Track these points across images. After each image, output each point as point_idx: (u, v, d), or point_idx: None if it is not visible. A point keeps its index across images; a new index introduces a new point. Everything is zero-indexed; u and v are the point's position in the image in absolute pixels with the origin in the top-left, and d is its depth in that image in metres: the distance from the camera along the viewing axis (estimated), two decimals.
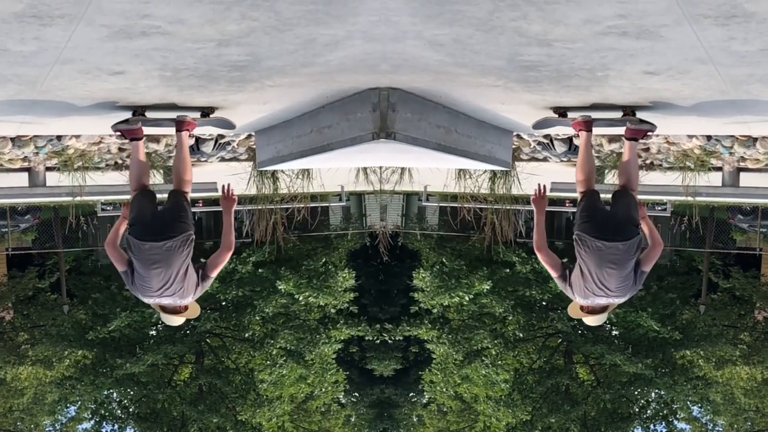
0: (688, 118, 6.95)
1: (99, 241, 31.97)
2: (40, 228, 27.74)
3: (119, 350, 26.40)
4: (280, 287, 25.75)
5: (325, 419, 28.64)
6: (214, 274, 6.71)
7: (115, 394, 27.66)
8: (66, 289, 28.18)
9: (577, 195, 6.95)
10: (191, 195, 6.99)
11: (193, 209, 6.91)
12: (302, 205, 12.17)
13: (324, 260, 27.09)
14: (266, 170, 10.30)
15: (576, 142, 8.70)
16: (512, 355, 26.88)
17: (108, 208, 15.01)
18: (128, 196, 11.00)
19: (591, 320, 6.91)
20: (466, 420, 28.54)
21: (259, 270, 26.02)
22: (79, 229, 14.21)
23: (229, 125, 7.22)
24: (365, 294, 29.08)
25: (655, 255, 6.78)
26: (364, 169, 11.91)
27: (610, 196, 6.96)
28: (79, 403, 26.54)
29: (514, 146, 9.39)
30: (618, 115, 6.69)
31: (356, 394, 30.88)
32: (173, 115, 6.77)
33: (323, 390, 27.60)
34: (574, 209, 6.90)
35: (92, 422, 27.21)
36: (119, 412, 27.77)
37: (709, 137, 9.51)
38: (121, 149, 10.25)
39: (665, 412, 27.48)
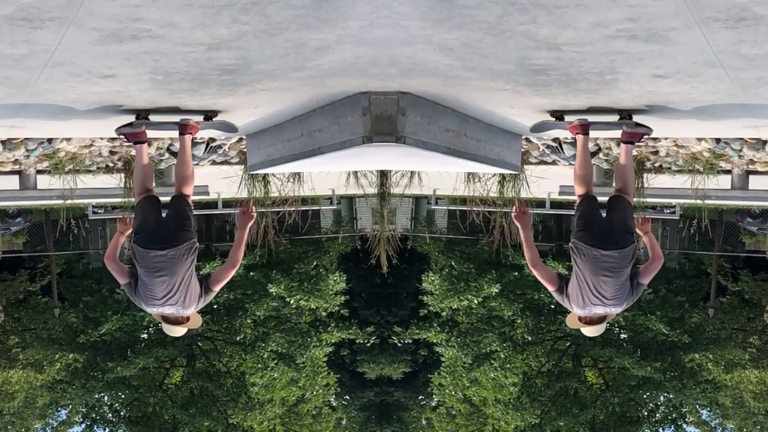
0: (697, 121, 6.97)
1: (90, 244, 31.97)
2: (31, 231, 27.69)
3: (110, 354, 26.35)
4: (271, 290, 25.74)
5: (316, 422, 28.63)
6: (217, 288, 6.76)
7: (106, 398, 27.62)
8: (57, 292, 28.13)
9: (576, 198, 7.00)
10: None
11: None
12: (293, 209, 12.18)
13: (315, 263, 27.09)
14: (257, 174, 10.31)
15: None
16: (521, 359, 26.91)
17: (99, 210, 14.99)
18: (119, 199, 11.09)
19: (589, 331, 6.94)
20: (474, 423, 28.58)
21: (251, 273, 26.00)
22: (70, 232, 14.16)
23: (232, 128, 7.24)
24: (356, 297, 29.10)
25: (655, 269, 6.88)
26: (355, 172, 11.92)
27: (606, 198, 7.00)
28: (70, 406, 26.50)
29: (522, 149, 9.42)
30: (615, 118, 6.72)
31: (347, 397, 30.87)
32: (176, 118, 6.79)
33: (314, 393, 27.59)
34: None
35: (83, 426, 27.16)
36: (110, 415, 27.73)
37: (718, 140, 9.51)
38: (112, 152, 10.25)
39: (674, 415, 27.46)
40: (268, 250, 13.77)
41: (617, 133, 8.55)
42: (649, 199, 11.39)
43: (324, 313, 27.01)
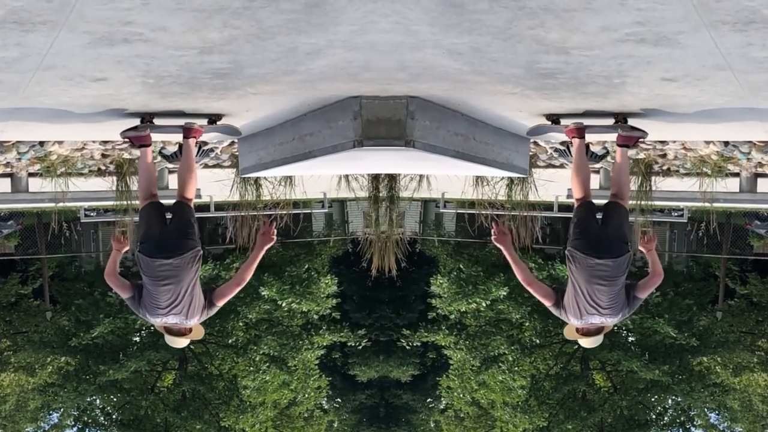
0: (705, 124, 6.97)
1: (82, 246, 31.94)
2: (22, 234, 27.68)
3: (102, 357, 26.34)
4: (263, 293, 25.75)
5: (307, 425, 28.65)
6: (220, 303, 6.80)
7: (98, 401, 27.62)
8: (49, 295, 28.11)
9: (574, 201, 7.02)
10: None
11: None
12: (285, 212, 12.19)
13: (307, 266, 27.13)
14: (249, 177, 10.32)
15: (592, 148, 8.73)
16: (529, 361, 27.00)
17: (91, 213, 14.98)
18: (111, 202, 11.07)
19: (586, 342, 6.98)
20: (483, 426, 28.67)
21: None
22: (62, 235, 14.17)
23: (236, 132, 7.25)
24: (347, 300, 29.13)
25: (653, 284, 6.95)
26: (346, 176, 11.94)
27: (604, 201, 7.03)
28: (62, 409, 26.47)
29: (531, 153, 9.43)
30: (610, 121, 6.75)
31: (339, 399, 30.90)
32: (181, 122, 6.81)
33: (306, 396, 27.61)
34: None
35: (75, 429, 27.16)
36: (102, 418, 27.72)
37: (726, 143, 9.48)
38: (104, 155, 10.24)
39: (682, 418, 27.51)
40: None
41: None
42: (657, 202, 11.38)
43: (315, 316, 27.05)
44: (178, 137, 8.09)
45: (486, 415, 28.27)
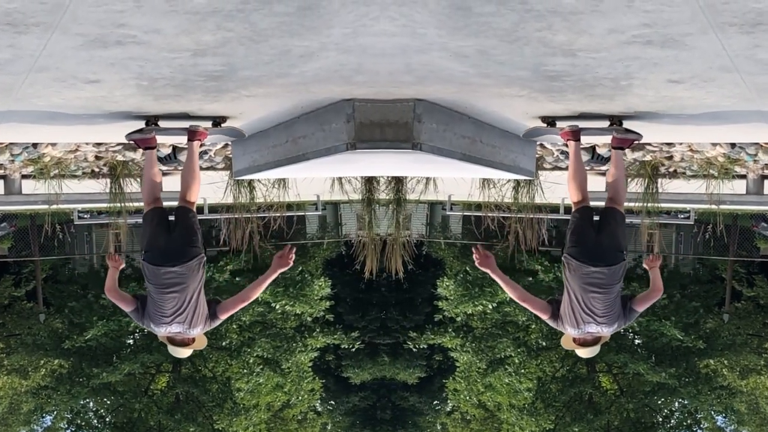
0: (712, 125, 6.97)
1: (76, 249, 31.90)
2: (16, 236, 27.62)
3: (96, 359, 26.31)
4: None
5: (301, 427, 28.66)
6: (224, 317, 6.83)
7: (91, 404, 27.60)
8: (42, 297, 28.06)
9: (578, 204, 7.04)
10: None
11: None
12: (278, 214, 12.20)
13: (300, 269, 27.12)
14: (243, 179, 10.32)
15: (599, 150, 8.75)
16: (535, 364, 27.03)
17: (85, 216, 14.97)
18: (105, 204, 11.06)
19: (583, 352, 7.01)
20: (489, 428, 28.77)
21: (236, 278, 26.02)
22: (56, 237, 14.15)
23: (240, 134, 7.25)
24: (341, 302, 29.14)
25: (652, 299, 7.02)
26: (339, 178, 11.95)
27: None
28: (55, 412, 26.44)
29: (537, 155, 9.45)
30: (605, 124, 6.76)
31: (332, 402, 30.91)
32: (186, 124, 6.82)
33: (300, 398, 27.61)
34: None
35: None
36: (95, 421, 27.69)
37: (733, 145, 9.47)
38: (97, 157, 10.23)
39: (689, 421, 27.54)
40: (253, 256, 13.79)
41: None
42: (663, 204, 11.38)
43: (309, 318, 27.06)
44: (174, 139, 8.11)
45: (492, 418, 28.33)
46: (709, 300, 28.24)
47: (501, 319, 27.09)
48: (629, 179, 10.88)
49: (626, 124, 6.79)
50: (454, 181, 11.38)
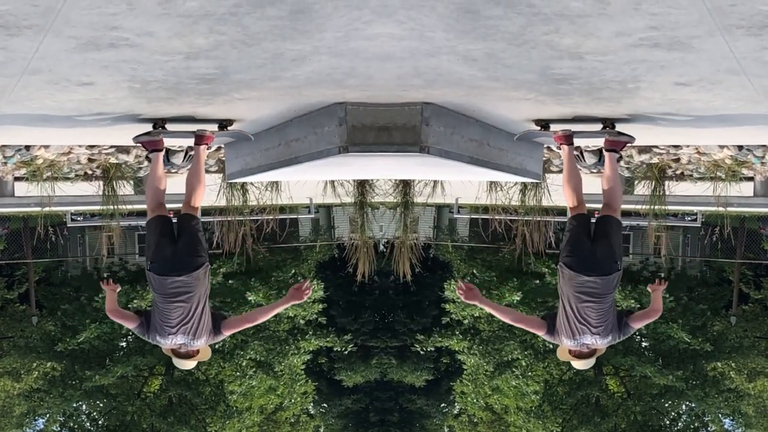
0: (719, 128, 7.00)
1: (69, 251, 31.84)
2: (8, 238, 27.54)
3: (88, 362, 26.26)
4: (249, 298, 25.72)
5: (294, 430, 28.65)
6: (227, 333, 6.87)
7: (84, 407, 27.54)
8: (35, 300, 27.99)
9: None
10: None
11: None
12: (271, 217, 12.21)
13: (293, 271, 27.12)
14: (235, 182, 10.33)
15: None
16: (542, 366, 27.02)
17: (78, 218, 14.95)
18: (98, 207, 11.06)
19: (579, 364, 7.05)
20: (496, 431, 28.70)
21: (229, 281, 26.02)
22: (48, 240, 14.14)
23: (247, 137, 7.26)
24: (333, 305, 29.14)
25: (649, 318, 7.15)
26: (332, 181, 11.97)
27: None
28: (48, 415, 26.38)
29: (544, 158, 9.48)
30: (598, 127, 6.79)
31: (325, 404, 30.91)
32: (192, 127, 6.84)
33: (292, 401, 27.60)
34: None
35: None
36: (88, 424, 27.63)
37: (740, 147, 9.48)
38: (90, 159, 10.24)
39: (696, 424, 27.49)
40: (246, 258, 13.81)
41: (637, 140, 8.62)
42: (670, 207, 11.40)
43: (302, 321, 27.04)
44: (183, 142, 8.13)
45: (499, 420, 28.34)
46: (716, 302, 28.21)
47: None
48: (636, 182, 10.90)
49: (630, 127, 6.82)
50: (461, 184, 11.42)
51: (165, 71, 4.71)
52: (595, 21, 3.80)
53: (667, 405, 27.36)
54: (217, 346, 26.73)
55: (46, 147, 9.45)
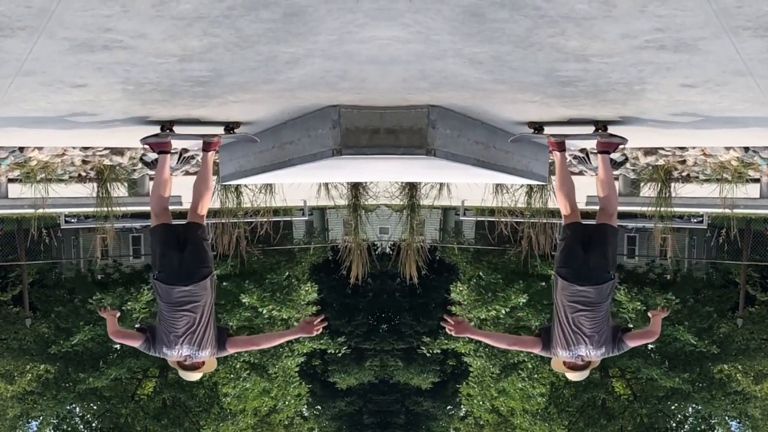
0: (725, 130, 7.00)
1: (62, 253, 31.82)
2: (2, 240, 27.50)
3: (82, 364, 26.23)
4: (243, 300, 25.73)
5: None
6: (231, 350, 6.90)
7: (77, 409, 27.50)
8: (29, 302, 27.96)
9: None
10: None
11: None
12: (265, 219, 12.22)
13: (287, 274, 27.14)
14: (230, 184, 10.33)
15: (612, 155, 8.80)
16: (548, 369, 26.96)
17: (71, 220, 14.94)
18: (92, 209, 11.05)
19: (573, 375, 7.07)
20: None
21: (223, 283, 25.99)
22: (42, 242, 14.13)
23: (252, 140, 7.26)
24: (327, 307, 29.17)
25: (645, 339, 7.25)
26: (326, 184, 11.99)
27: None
28: (41, 418, 26.34)
29: (550, 161, 9.50)
30: (590, 129, 6.80)
31: (319, 407, 30.91)
32: (199, 130, 6.84)
33: (286, 403, 27.60)
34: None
35: None
36: (82, 427, 27.60)
37: (746, 149, 9.47)
38: (84, 161, 10.23)
39: (703, 427, 27.44)
40: (240, 261, 13.81)
41: (641, 143, 8.62)
42: (676, 209, 11.38)
43: (296, 323, 27.01)
44: (182, 144, 8.12)
45: (506, 423, 28.38)
46: (722, 305, 28.21)
47: (514, 324, 27.07)
48: (642, 184, 10.91)
49: (635, 129, 6.83)
50: (467, 186, 11.44)
51: (159, 73, 4.71)
52: (601, 23, 3.80)
53: (673, 407, 27.38)
54: None
55: (40, 149, 9.44)
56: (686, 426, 27.79)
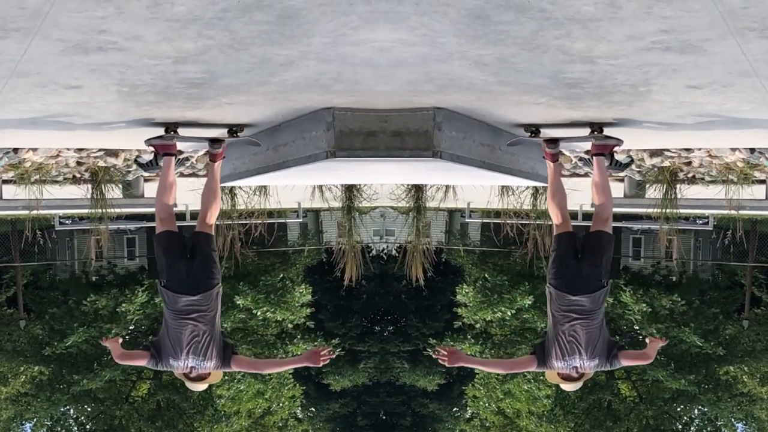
0: (731, 131, 7.00)
1: (57, 255, 31.78)
2: None
3: (76, 366, 26.18)
4: (238, 302, 25.72)
5: None
6: (235, 368, 6.92)
7: (71, 411, 27.46)
8: (23, 303, 27.89)
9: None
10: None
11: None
12: (260, 221, 12.22)
13: (281, 276, 27.13)
14: (224, 186, 10.33)
15: (617, 157, 8.81)
16: None
17: (66, 221, 14.92)
18: (86, 210, 11.03)
19: (567, 386, 7.08)
20: None
21: None
22: (36, 243, 14.11)
23: (256, 144, 7.27)
24: (321, 309, 29.18)
25: (638, 361, 7.30)
26: (320, 186, 12.00)
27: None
28: (35, 420, 26.29)
29: None
30: (586, 132, 6.81)
31: (313, 409, 30.92)
32: (203, 133, 6.83)
33: (280, 405, 27.60)
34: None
35: None
36: (76, 429, 27.55)
37: (752, 150, 9.44)
38: (79, 163, 10.22)
39: (709, 429, 27.38)
40: (235, 263, 13.81)
41: (647, 144, 8.60)
42: (682, 210, 11.34)
43: (290, 325, 27.04)
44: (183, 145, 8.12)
45: (511, 425, 28.38)
46: (728, 306, 28.12)
47: (520, 325, 27.10)
48: (648, 185, 10.90)
49: (640, 130, 6.83)
50: (473, 188, 11.45)
51: (153, 75, 4.72)
52: (607, 25, 3.81)
53: (679, 409, 27.35)
54: None
55: (34, 150, 9.43)
56: (692, 428, 27.75)
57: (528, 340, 26.79)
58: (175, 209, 10.90)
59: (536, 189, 11.16)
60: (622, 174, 10.30)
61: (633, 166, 10.43)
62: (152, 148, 6.98)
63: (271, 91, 5.26)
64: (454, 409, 32.22)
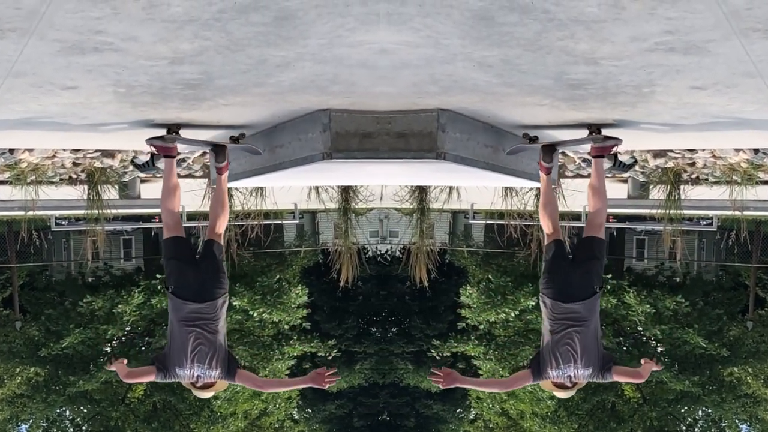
0: (735, 131, 6.99)
1: (53, 256, 31.77)
2: None
3: (72, 367, 26.17)
4: (234, 303, 25.71)
5: None
6: (239, 381, 6.85)
7: (67, 412, 27.44)
8: (18, 304, 27.89)
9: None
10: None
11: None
12: (256, 222, 12.21)
13: (278, 277, 27.13)
14: None
15: (621, 158, 8.82)
16: None
17: (62, 222, 14.91)
18: (82, 211, 11.02)
19: (561, 394, 7.07)
20: None
21: None
22: (32, 244, 14.10)
23: (256, 152, 7.26)
24: (318, 310, 29.18)
25: (631, 379, 7.18)
26: (316, 187, 11.99)
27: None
28: (31, 421, 26.28)
29: (559, 163, 9.49)
30: (584, 134, 6.80)
31: (309, 410, 30.91)
32: (204, 135, 6.82)
33: (277, 406, 27.59)
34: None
35: None
36: (72, 430, 27.54)
37: (756, 151, 9.44)
38: (75, 163, 10.22)
39: (713, 430, 27.43)
40: (231, 264, 13.80)
41: (650, 145, 8.60)
42: (686, 211, 11.31)
43: (286, 326, 27.05)
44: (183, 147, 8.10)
45: (515, 426, 28.42)
46: (732, 307, 28.18)
47: (523, 327, 27.13)
48: (652, 186, 10.89)
49: (644, 131, 6.82)
50: (476, 189, 11.45)
51: (150, 76, 4.71)
52: (611, 26, 3.81)
53: (683, 410, 27.38)
54: None
55: (30, 151, 9.42)
56: (696, 429, 27.79)
57: (532, 342, 26.84)
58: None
59: (539, 190, 11.16)
60: (625, 175, 10.29)
61: (636, 167, 10.43)
62: (152, 148, 6.95)
63: (267, 93, 5.26)
64: (458, 410, 32.27)
